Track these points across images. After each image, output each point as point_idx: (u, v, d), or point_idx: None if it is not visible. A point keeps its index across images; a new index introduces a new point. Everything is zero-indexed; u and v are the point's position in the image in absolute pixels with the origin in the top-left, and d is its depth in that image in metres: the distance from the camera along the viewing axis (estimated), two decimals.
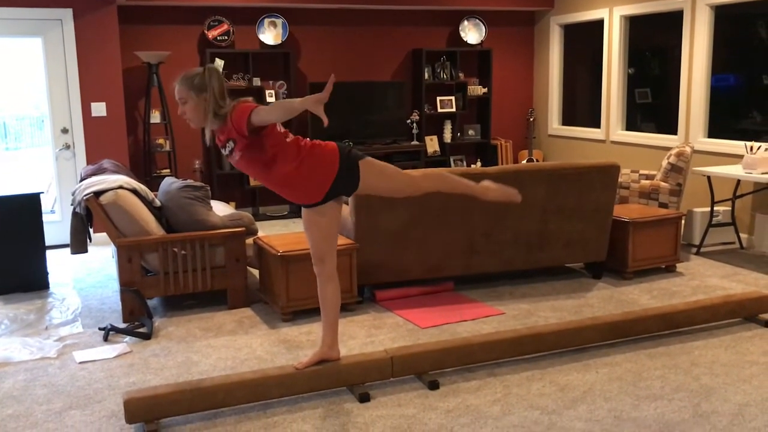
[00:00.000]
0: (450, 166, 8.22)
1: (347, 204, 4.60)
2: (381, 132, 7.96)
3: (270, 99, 7.57)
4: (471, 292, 4.96)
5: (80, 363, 3.85)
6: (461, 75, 8.39)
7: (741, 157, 5.80)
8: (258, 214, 7.65)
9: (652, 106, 7.43)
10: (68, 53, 6.42)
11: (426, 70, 8.12)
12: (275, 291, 4.43)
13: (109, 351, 4.00)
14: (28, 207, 5.12)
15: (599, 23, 7.68)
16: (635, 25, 7.38)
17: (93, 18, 6.46)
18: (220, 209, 5.28)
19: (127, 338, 4.20)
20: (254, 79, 7.55)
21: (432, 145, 8.28)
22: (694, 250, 5.96)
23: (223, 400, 3.16)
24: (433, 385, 3.45)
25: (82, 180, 5.02)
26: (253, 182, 7.56)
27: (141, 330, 4.30)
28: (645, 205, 5.83)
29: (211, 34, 7.35)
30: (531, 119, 8.50)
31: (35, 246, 5.17)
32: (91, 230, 4.80)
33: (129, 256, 4.39)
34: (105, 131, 6.62)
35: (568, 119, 8.46)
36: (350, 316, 4.47)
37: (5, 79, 6.59)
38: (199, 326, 4.39)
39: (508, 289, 5.02)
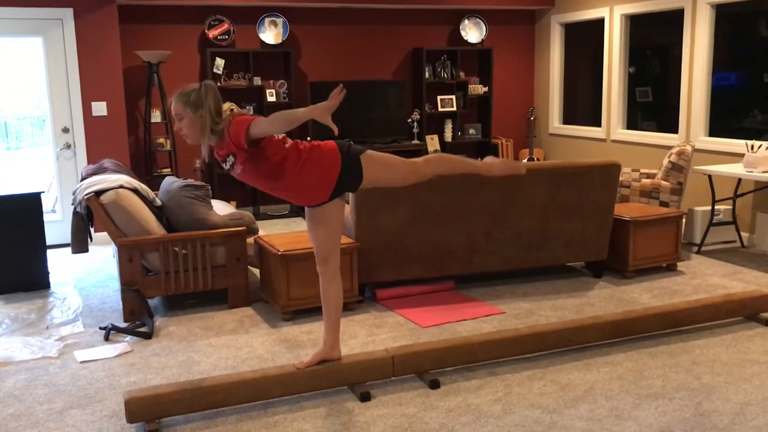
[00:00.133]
0: None
1: (348, 203, 4.60)
2: (382, 131, 7.96)
3: (271, 98, 7.57)
4: (472, 291, 4.96)
5: (81, 362, 3.86)
6: (462, 74, 8.39)
7: (742, 155, 5.80)
8: (258, 214, 7.65)
9: (653, 104, 7.43)
10: (69, 53, 6.42)
11: (427, 69, 8.11)
12: (276, 290, 4.43)
13: (110, 350, 4.00)
14: (29, 206, 5.12)
15: (600, 22, 7.67)
16: (636, 24, 7.37)
17: (93, 17, 6.46)
18: (221, 208, 5.28)
19: (128, 338, 4.21)
20: (255, 78, 7.55)
21: (433, 144, 8.28)
22: (695, 248, 5.95)
23: (223, 400, 3.16)
24: (434, 385, 3.45)
25: (82, 179, 5.02)
26: None
27: (142, 329, 4.30)
28: (646, 204, 5.83)
29: (212, 33, 7.35)
30: (532, 118, 8.50)
31: (36, 245, 5.17)
32: (91, 230, 4.80)
33: (130, 256, 4.39)
34: (106, 131, 6.62)
35: (568, 118, 8.46)
36: (351, 316, 4.47)
37: (6, 79, 6.59)
38: (200, 325, 4.39)
39: (508, 288, 5.02)
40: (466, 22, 8.29)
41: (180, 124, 3.06)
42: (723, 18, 6.35)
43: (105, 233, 5.70)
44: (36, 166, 6.82)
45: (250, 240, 4.78)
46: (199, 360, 3.86)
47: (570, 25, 8.27)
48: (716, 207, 5.97)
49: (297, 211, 7.78)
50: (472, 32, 8.33)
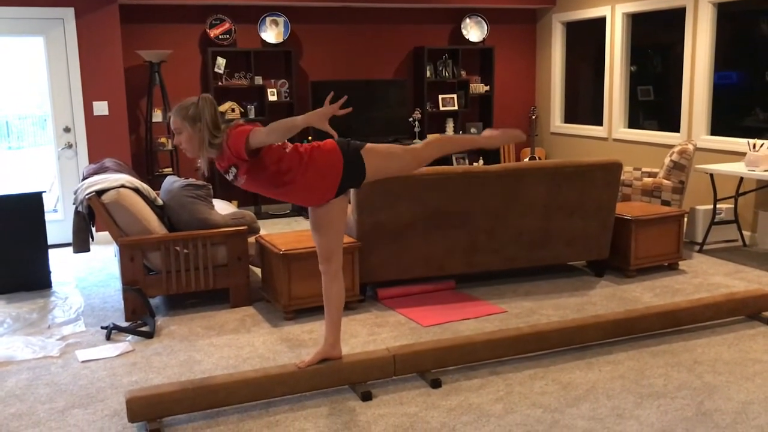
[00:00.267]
0: (452, 164, 8.22)
1: (349, 202, 4.60)
2: (383, 130, 7.96)
3: (272, 98, 7.57)
4: (473, 290, 4.96)
5: (83, 362, 3.86)
6: (463, 73, 8.38)
7: (744, 154, 5.79)
8: (260, 213, 7.65)
9: (655, 103, 7.42)
10: (70, 52, 6.43)
11: (428, 68, 8.11)
12: (277, 289, 4.43)
13: (111, 350, 4.00)
14: (30, 206, 5.12)
15: (601, 21, 7.67)
16: (637, 23, 7.37)
17: (95, 17, 6.46)
18: (222, 208, 5.28)
19: (130, 337, 4.21)
20: (256, 77, 7.55)
21: None
22: (697, 247, 5.95)
23: (225, 399, 3.16)
24: (436, 384, 3.45)
25: (84, 179, 5.02)
26: None
27: (143, 329, 4.30)
28: (647, 203, 5.83)
29: (213, 32, 7.35)
30: (533, 117, 8.50)
31: (38, 245, 5.18)
32: (93, 229, 4.80)
33: (131, 255, 4.39)
34: (107, 130, 6.62)
35: (570, 117, 8.45)
36: (352, 315, 4.47)
37: (7, 79, 6.59)
38: (202, 325, 4.39)
39: (510, 288, 5.02)
40: (468, 20, 8.29)
41: (179, 138, 3.07)
42: (725, 16, 6.34)
43: (106, 233, 5.70)
44: (37, 165, 6.83)
45: (252, 239, 4.78)
46: (201, 359, 3.86)
47: (571, 24, 8.26)
48: (718, 206, 5.97)
49: (298, 211, 7.78)
50: (474, 31, 8.32)
